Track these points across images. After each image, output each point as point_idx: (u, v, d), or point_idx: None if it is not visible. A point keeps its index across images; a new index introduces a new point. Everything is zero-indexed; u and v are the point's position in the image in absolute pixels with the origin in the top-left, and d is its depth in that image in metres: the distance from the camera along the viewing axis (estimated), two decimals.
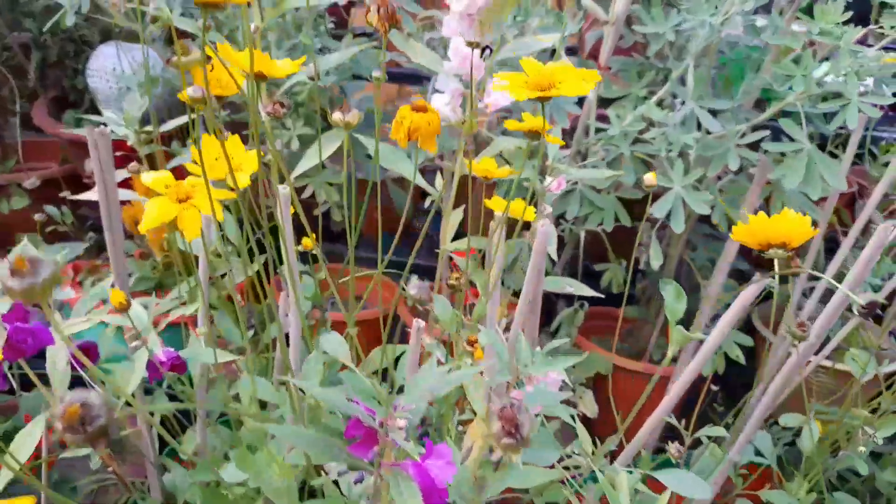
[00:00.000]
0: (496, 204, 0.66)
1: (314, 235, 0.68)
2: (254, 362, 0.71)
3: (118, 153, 0.70)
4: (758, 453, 0.77)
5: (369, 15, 0.40)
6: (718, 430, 0.73)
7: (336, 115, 0.46)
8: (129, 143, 0.80)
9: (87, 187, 1.38)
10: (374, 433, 0.42)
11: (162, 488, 0.80)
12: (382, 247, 0.62)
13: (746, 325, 1.09)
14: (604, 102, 0.98)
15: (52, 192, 1.39)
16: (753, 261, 1.15)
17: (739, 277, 1.11)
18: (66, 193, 1.23)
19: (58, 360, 0.64)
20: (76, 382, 0.86)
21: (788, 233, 0.49)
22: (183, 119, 0.73)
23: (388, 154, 0.71)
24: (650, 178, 0.52)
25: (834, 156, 1.06)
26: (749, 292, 0.52)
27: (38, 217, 1.17)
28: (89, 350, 0.73)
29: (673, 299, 0.47)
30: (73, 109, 1.33)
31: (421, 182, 0.76)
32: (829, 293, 0.97)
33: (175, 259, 0.83)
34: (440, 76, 0.70)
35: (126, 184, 1.18)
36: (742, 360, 0.97)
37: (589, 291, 0.78)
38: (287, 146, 0.93)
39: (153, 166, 0.89)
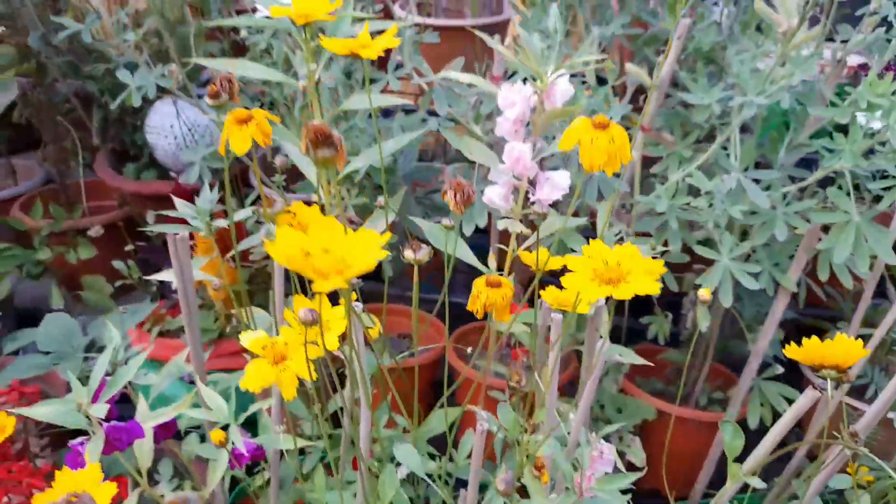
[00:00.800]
0: (549, 296, 0.69)
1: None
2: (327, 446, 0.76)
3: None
4: None
5: (446, 197, 0.44)
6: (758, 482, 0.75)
7: (407, 254, 0.49)
8: (202, 236, 0.84)
9: (144, 233, 1.45)
10: None
11: None
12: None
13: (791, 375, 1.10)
14: (647, 162, 1.00)
15: (113, 237, 1.46)
16: (801, 311, 1.16)
17: (787, 326, 1.13)
18: (130, 246, 1.30)
19: (145, 450, 0.70)
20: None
21: (842, 356, 0.51)
22: (247, 213, 0.78)
23: (435, 232, 0.75)
24: (704, 294, 0.55)
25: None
26: (802, 403, 0.54)
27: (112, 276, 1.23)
28: (169, 426, 0.79)
29: (731, 438, 0.50)
30: (133, 162, 1.39)
31: (474, 260, 0.79)
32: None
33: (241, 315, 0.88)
34: (493, 170, 0.73)
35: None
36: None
37: (640, 360, 0.81)
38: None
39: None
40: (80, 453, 0.64)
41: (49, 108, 1.42)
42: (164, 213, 0.79)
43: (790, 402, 1.01)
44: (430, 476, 0.70)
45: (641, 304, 1.17)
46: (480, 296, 0.39)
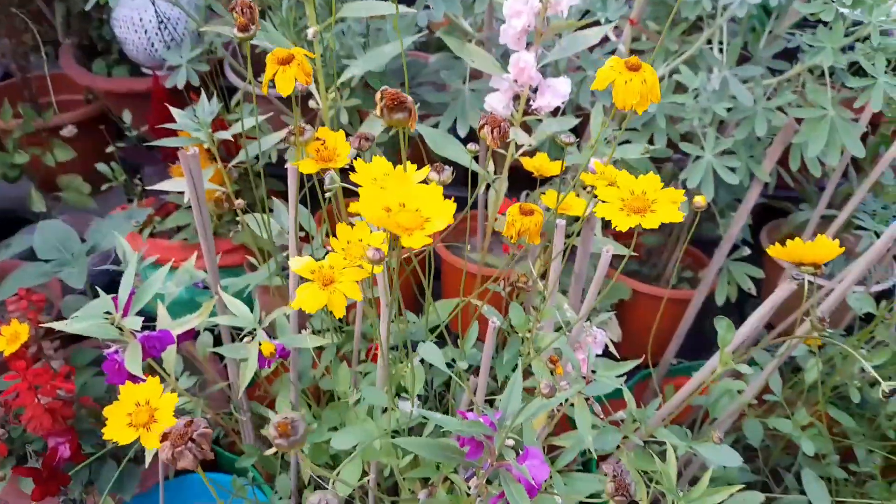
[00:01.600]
0: (549, 200, 0.73)
1: None
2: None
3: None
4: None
5: (482, 132, 0.46)
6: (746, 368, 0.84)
7: (432, 175, 0.52)
8: (205, 147, 0.85)
9: (121, 131, 1.41)
10: (483, 445, 0.53)
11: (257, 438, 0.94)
12: None
13: (756, 254, 1.19)
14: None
15: (85, 135, 1.43)
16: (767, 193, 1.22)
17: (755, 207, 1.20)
18: (111, 148, 1.28)
19: (171, 354, 0.75)
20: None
21: (820, 255, 0.57)
22: (277, 137, 0.79)
23: (441, 140, 0.78)
24: (699, 201, 0.59)
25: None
26: (777, 296, 0.61)
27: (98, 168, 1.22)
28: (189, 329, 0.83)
29: (724, 332, 0.56)
30: (101, 57, 1.33)
31: (475, 167, 0.82)
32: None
33: (258, 245, 0.91)
34: (494, 76, 0.75)
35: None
36: (754, 291, 1.07)
37: (627, 251, 0.87)
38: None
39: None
40: (117, 361, 0.69)
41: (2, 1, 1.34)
42: (164, 129, 0.79)
43: (755, 280, 1.10)
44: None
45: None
46: (515, 223, 0.43)
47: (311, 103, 0.84)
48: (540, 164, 0.72)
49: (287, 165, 0.68)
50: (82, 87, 1.54)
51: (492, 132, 0.45)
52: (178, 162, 1.20)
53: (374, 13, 0.70)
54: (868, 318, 0.94)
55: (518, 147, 0.78)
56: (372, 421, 0.74)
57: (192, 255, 1.22)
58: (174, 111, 0.80)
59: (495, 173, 0.83)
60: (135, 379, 0.70)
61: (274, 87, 0.79)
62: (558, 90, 0.71)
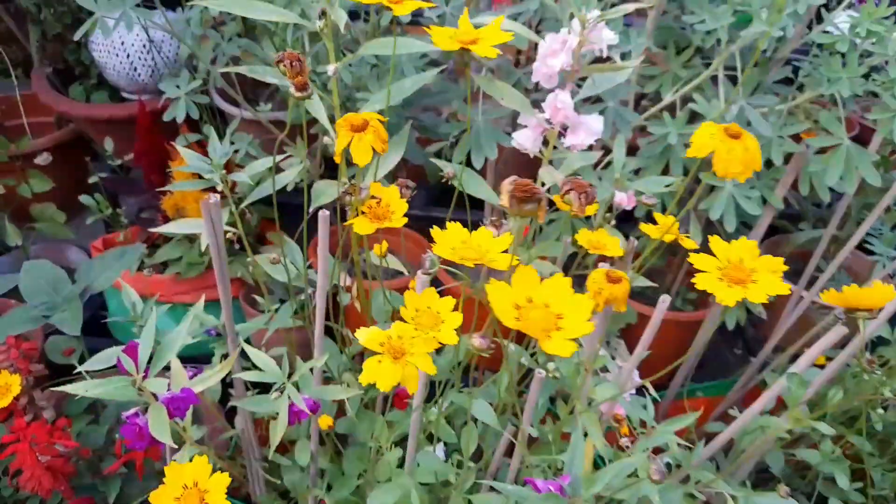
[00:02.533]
0: (582, 239, 0.71)
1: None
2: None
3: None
4: None
5: (567, 197, 0.44)
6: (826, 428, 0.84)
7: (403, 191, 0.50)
8: (218, 189, 0.80)
9: (95, 156, 1.35)
10: None
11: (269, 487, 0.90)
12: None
13: None
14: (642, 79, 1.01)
15: (59, 162, 1.36)
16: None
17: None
18: (95, 178, 1.22)
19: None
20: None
21: (876, 300, 0.57)
22: (293, 173, 0.75)
23: (472, 181, 0.75)
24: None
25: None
26: (829, 339, 0.61)
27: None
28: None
29: (796, 387, 0.55)
30: (78, 82, 1.27)
31: (494, 199, 0.80)
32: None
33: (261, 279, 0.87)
34: (522, 114, 0.73)
35: (155, 158, 1.17)
36: (764, 315, 1.08)
37: (648, 283, 0.87)
38: None
39: None
40: (138, 425, 0.65)
41: None
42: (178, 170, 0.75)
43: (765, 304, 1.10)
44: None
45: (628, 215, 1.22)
46: (602, 292, 0.41)
47: (327, 140, 0.81)
48: (598, 240, 0.68)
49: (320, 214, 0.65)
50: (52, 111, 1.47)
51: (578, 198, 0.43)
52: (168, 194, 1.15)
53: (409, 51, 0.67)
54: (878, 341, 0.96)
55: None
56: (405, 475, 0.71)
57: (194, 293, 1.18)
58: (185, 152, 0.76)
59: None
60: (158, 443, 0.66)
61: (275, 111, 0.75)
62: (592, 128, 0.69)
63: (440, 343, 0.44)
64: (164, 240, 1.22)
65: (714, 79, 1.00)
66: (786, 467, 1.03)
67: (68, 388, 0.65)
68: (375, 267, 0.79)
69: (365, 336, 0.44)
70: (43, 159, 1.29)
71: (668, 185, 0.81)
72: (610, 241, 0.70)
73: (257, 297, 0.97)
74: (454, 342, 0.43)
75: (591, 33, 0.63)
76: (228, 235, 1.04)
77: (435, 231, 0.43)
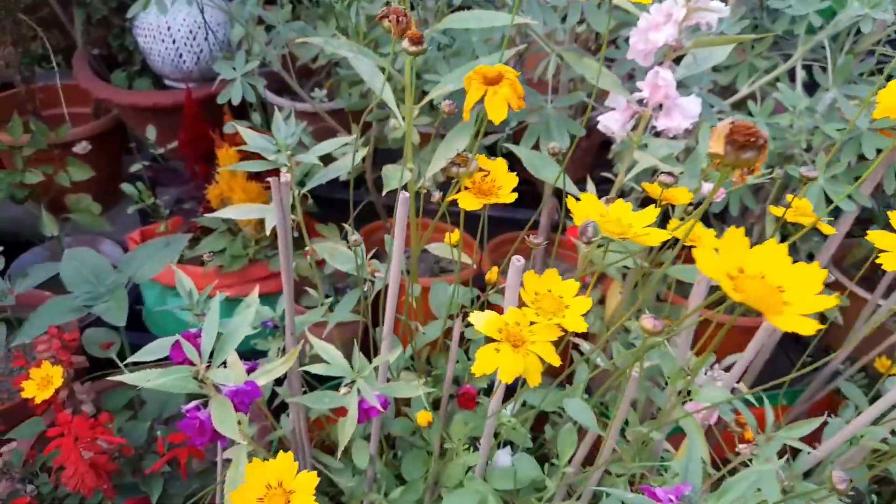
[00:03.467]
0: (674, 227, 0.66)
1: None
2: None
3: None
4: None
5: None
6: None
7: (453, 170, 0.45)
8: (282, 171, 0.76)
9: (133, 150, 1.32)
10: None
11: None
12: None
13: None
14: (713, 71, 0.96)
15: (96, 151, 1.32)
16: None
17: None
18: (138, 166, 1.18)
19: None
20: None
21: None
22: (335, 144, 0.70)
23: (539, 163, 0.71)
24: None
25: None
26: None
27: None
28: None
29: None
30: (121, 68, 1.24)
31: (572, 189, 0.75)
32: None
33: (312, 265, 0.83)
34: (612, 94, 0.68)
35: (206, 147, 1.13)
36: (841, 320, 1.02)
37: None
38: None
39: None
40: (199, 419, 0.60)
41: (7, 4, 1.24)
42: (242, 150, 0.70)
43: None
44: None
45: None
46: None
47: (392, 122, 0.77)
48: (693, 233, 0.63)
49: (400, 196, 0.60)
50: (90, 100, 1.44)
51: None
52: (214, 183, 1.11)
53: (486, 25, 0.62)
54: None
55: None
56: (480, 480, 0.66)
57: (238, 286, 1.13)
58: (246, 132, 0.72)
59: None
60: (222, 439, 0.61)
61: (326, 100, 0.71)
62: (688, 110, 0.64)
63: (563, 331, 0.39)
64: (205, 233, 1.18)
65: (790, 73, 0.95)
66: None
67: (127, 378, 0.61)
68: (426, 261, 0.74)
69: (482, 321, 0.39)
70: (81, 148, 1.25)
71: (765, 175, 0.76)
72: (705, 234, 0.65)
73: (309, 290, 0.93)
74: (582, 329, 0.38)
75: (698, 2, 0.59)
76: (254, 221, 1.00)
77: (571, 202, 0.38)
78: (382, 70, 0.67)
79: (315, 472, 0.44)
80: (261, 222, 1.10)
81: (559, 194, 0.78)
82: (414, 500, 0.70)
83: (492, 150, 1.10)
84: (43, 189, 1.28)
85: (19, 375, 0.87)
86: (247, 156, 0.88)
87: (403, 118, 0.68)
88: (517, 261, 0.52)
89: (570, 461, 0.58)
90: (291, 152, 0.70)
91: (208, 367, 0.60)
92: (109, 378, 0.60)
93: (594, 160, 1.34)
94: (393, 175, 0.72)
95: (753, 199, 0.90)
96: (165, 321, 1.19)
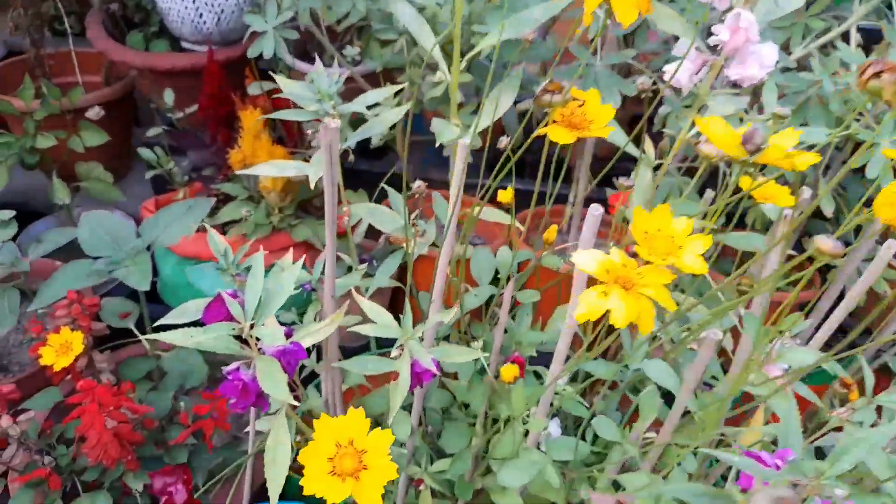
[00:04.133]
0: (744, 184, 0.62)
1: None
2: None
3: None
4: None
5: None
6: None
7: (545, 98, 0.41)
8: (322, 120, 0.71)
9: (142, 121, 1.27)
10: None
11: None
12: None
13: None
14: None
15: (108, 118, 1.27)
16: None
17: None
18: (157, 130, 1.13)
19: None
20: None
21: None
22: (383, 93, 0.65)
23: None
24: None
25: None
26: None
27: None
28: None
29: None
30: (137, 29, 1.18)
31: (632, 150, 0.71)
32: None
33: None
34: (680, 42, 0.63)
35: (223, 113, 1.08)
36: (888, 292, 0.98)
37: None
38: None
39: None
40: (243, 381, 0.56)
41: None
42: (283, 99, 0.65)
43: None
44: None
45: None
46: None
47: (438, 75, 0.72)
48: (765, 189, 0.59)
49: (460, 141, 0.56)
50: (100, 68, 1.39)
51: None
52: (236, 147, 1.06)
53: None
54: None
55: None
56: (536, 451, 0.62)
57: (271, 256, 1.09)
58: (285, 81, 0.67)
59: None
60: (265, 402, 0.57)
61: (358, 62, 0.66)
62: (765, 59, 0.60)
63: (677, 274, 0.35)
64: (225, 201, 1.13)
65: (845, 35, 0.91)
66: None
67: (166, 337, 0.56)
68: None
69: (589, 260, 0.35)
70: (94, 114, 1.20)
71: (833, 137, 0.72)
72: (779, 190, 0.61)
73: (342, 255, 0.89)
74: (703, 271, 0.34)
75: None
76: (280, 184, 0.96)
77: (702, 124, 0.34)
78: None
79: (389, 430, 0.40)
80: (285, 189, 1.05)
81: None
82: (463, 470, 0.66)
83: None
84: (53, 156, 1.23)
85: (35, 344, 0.83)
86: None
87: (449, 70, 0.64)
88: (595, 210, 0.48)
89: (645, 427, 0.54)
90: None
91: (251, 326, 0.56)
92: (153, 337, 0.56)
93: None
94: (443, 129, 0.67)
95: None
96: (183, 293, 1.14)
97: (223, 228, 1.12)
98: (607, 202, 0.86)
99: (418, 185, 0.63)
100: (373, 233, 1.06)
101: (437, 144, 0.68)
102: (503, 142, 0.69)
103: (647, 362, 0.51)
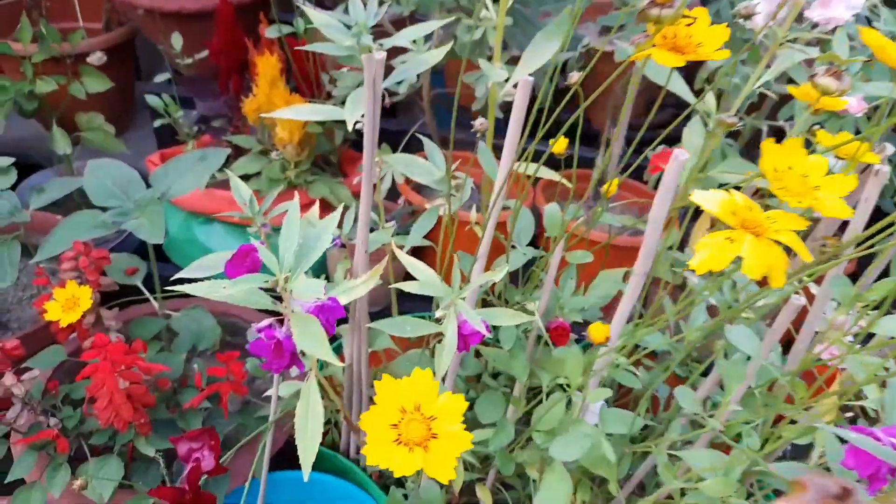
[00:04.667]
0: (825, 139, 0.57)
1: None
2: None
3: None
4: None
5: None
6: None
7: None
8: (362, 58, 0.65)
9: (154, 65, 1.20)
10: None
11: None
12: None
13: None
14: None
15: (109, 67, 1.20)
16: None
17: None
18: (165, 76, 1.07)
19: None
20: None
21: None
22: (429, 27, 0.59)
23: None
24: None
25: None
26: None
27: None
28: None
29: None
30: None
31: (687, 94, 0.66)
32: None
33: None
34: None
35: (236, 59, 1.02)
36: None
37: None
38: None
39: None
40: (276, 338, 0.51)
41: None
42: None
43: None
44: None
45: None
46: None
47: (483, 13, 0.66)
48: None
49: (520, 79, 0.50)
50: (100, 13, 1.31)
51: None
52: (251, 96, 1.00)
53: None
54: None
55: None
56: (588, 423, 0.57)
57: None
58: (312, 12, 0.61)
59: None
60: (299, 362, 0.52)
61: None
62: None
63: (810, 220, 0.30)
64: (235, 156, 1.07)
65: None
66: None
67: (193, 289, 0.51)
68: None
69: (712, 200, 0.30)
70: (96, 59, 1.14)
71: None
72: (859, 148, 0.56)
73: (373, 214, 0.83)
74: (846, 214, 0.29)
75: None
76: (357, 126, 0.90)
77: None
78: None
79: (463, 395, 0.35)
80: (302, 143, 0.99)
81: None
82: (505, 442, 0.61)
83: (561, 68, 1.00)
84: (53, 104, 1.16)
85: (40, 297, 0.77)
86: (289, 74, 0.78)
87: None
88: (680, 154, 0.43)
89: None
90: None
91: (286, 280, 0.50)
92: (176, 288, 0.50)
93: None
94: (491, 71, 0.62)
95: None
96: (190, 251, 1.09)
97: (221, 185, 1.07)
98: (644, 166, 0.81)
99: (481, 122, 0.57)
100: (392, 195, 1.01)
101: (455, 103, 0.62)
102: (573, 77, 0.62)
103: (729, 328, 0.47)
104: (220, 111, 1.07)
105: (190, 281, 0.52)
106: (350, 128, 0.56)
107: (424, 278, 0.55)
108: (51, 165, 1.29)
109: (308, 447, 0.53)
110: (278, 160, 1.01)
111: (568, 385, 0.56)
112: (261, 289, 0.52)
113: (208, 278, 0.53)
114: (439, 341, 0.54)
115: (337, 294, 0.54)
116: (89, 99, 1.19)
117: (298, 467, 0.51)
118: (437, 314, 0.54)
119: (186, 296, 0.53)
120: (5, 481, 0.74)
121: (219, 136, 1.06)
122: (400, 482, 0.69)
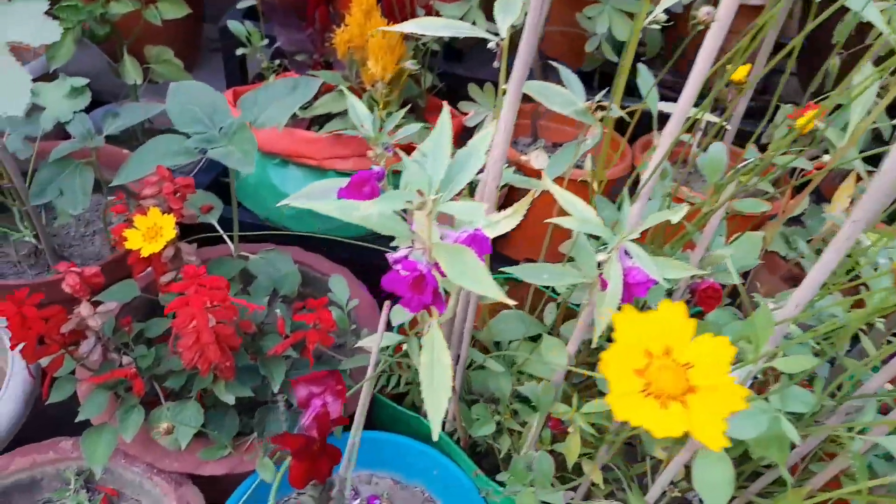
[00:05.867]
0: None
1: None
2: None
3: None
4: None
5: None
6: None
7: None
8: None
9: (220, 8, 1.12)
10: None
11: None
12: None
13: None
14: None
15: None
16: None
17: None
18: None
19: None
20: None
21: None
22: None
23: None
24: None
25: None
26: None
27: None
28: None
29: None
30: None
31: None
32: None
33: None
34: None
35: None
36: None
37: None
38: None
39: None
40: (420, 271, 0.43)
41: None
42: None
43: None
44: None
45: None
46: None
47: None
48: None
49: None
50: None
51: None
52: (343, 27, 0.92)
53: None
54: None
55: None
56: (763, 400, 0.49)
57: (355, 159, 0.96)
58: None
59: None
60: (440, 302, 0.44)
61: None
62: None
63: None
64: (317, 95, 0.99)
65: None
66: None
67: (319, 206, 0.44)
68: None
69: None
70: None
71: None
72: None
73: None
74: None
75: None
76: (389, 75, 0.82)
77: None
78: None
79: (727, 339, 0.27)
80: (392, 82, 0.91)
81: None
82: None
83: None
84: (123, 32, 1.10)
85: (118, 225, 0.71)
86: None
87: None
88: None
89: None
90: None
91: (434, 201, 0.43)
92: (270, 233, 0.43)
93: None
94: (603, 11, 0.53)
95: None
96: (264, 195, 1.02)
97: (312, 124, 0.99)
98: None
99: (707, 11, 0.49)
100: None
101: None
102: (703, 12, 0.53)
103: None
104: (303, 45, 0.99)
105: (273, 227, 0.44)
106: (503, 34, 0.48)
107: (582, 215, 0.47)
108: (116, 101, 1.23)
109: (437, 401, 0.46)
110: (365, 101, 0.93)
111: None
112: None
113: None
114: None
115: (483, 227, 0.46)
116: (158, 32, 1.12)
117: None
118: (599, 258, 0.46)
119: (261, 239, 0.47)
120: (74, 420, 0.69)
121: (302, 72, 0.98)
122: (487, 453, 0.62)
